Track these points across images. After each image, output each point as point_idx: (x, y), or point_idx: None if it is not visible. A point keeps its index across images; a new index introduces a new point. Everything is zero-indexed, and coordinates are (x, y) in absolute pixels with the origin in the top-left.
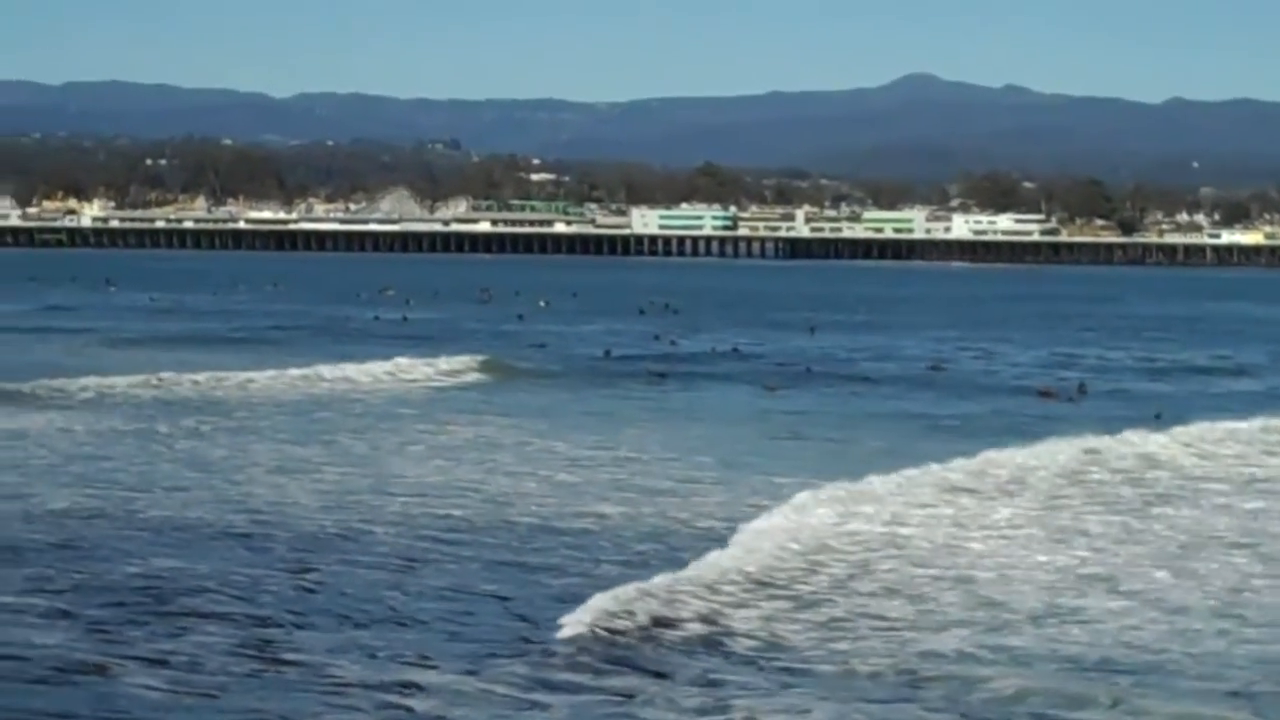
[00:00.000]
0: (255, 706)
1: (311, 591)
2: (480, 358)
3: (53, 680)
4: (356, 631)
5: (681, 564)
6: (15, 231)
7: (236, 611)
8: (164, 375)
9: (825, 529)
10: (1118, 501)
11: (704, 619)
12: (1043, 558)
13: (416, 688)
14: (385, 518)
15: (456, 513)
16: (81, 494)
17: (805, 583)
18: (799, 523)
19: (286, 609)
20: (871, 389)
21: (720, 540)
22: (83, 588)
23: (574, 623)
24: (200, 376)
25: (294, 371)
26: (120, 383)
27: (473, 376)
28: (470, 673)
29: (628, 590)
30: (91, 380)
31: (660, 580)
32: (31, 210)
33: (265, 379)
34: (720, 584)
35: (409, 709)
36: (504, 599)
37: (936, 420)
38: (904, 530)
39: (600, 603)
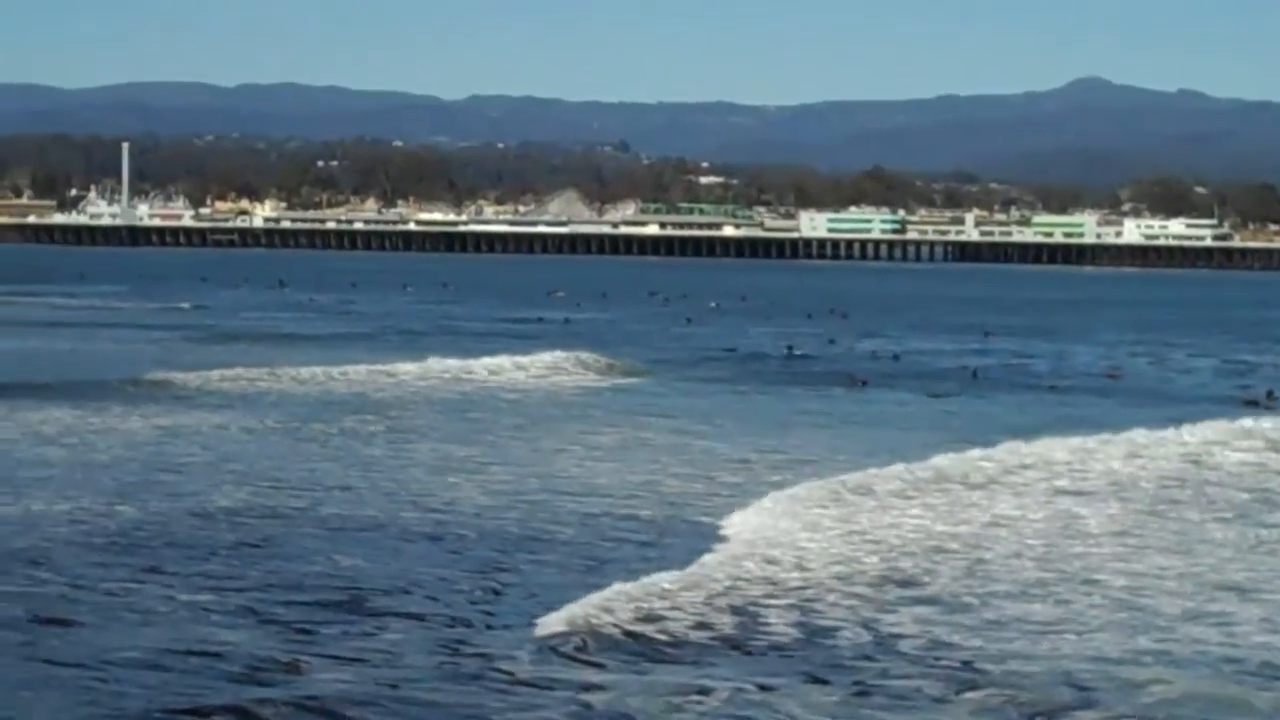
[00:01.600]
0: (446, 703)
1: (499, 592)
2: (641, 358)
3: (244, 677)
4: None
5: None
6: (188, 232)
7: (427, 611)
8: (317, 371)
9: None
10: None
11: (864, 623)
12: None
13: (599, 689)
14: (565, 518)
15: (643, 513)
16: (249, 492)
17: (948, 583)
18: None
19: (478, 608)
20: (1044, 396)
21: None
22: (268, 585)
23: None
24: (356, 374)
25: (448, 369)
26: (275, 380)
27: (635, 378)
28: None
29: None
30: (245, 377)
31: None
32: (204, 211)
33: (419, 377)
34: (877, 582)
35: (589, 705)
36: None
37: (1118, 428)
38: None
39: None
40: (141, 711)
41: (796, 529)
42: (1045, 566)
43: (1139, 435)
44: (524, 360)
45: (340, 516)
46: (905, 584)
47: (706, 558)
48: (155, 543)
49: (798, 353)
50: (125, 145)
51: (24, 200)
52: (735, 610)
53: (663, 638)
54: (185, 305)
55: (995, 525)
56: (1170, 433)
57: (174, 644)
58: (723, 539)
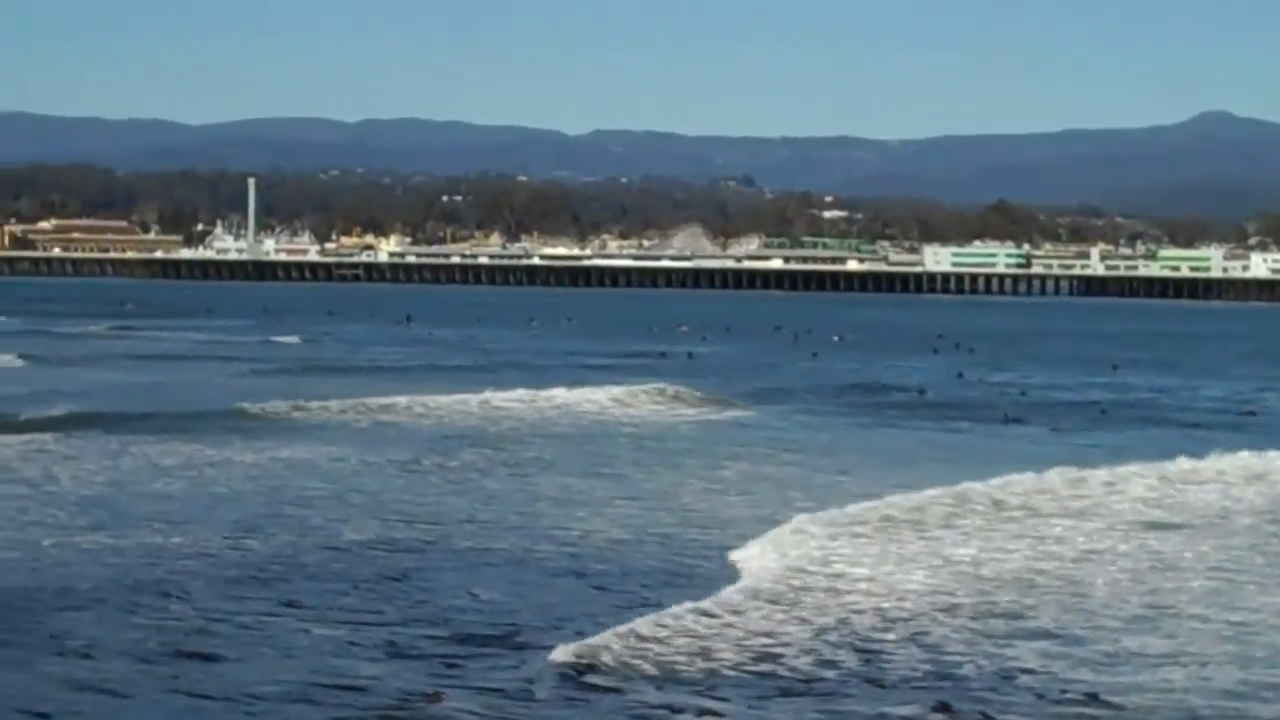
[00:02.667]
0: None
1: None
2: (768, 393)
3: (389, 709)
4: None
5: None
6: (314, 266)
7: (565, 644)
8: (435, 403)
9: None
10: None
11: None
12: None
13: (714, 714)
14: (702, 552)
15: None
16: (379, 525)
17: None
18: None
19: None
20: (1175, 432)
21: None
22: (409, 620)
23: None
24: (474, 407)
25: (568, 401)
26: (393, 413)
27: (759, 411)
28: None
29: None
30: (365, 407)
31: None
32: (329, 246)
33: (538, 409)
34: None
35: None
36: None
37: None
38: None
39: None
40: None
41: (896, 560)
42: (1155, 598)
43: None
44: (645, 393)
45: (475, 550)
46: (1015, 616)
47: (818, 594)
48: (290, 576)
49: (927, 389)
50: (251, 181)
51: (151, 236)
52: (852, 645)
53: (786, 672)
54: (301, 339)
55: (1087, 557)
56: None
57: (317, 677)
58: (838, 575)
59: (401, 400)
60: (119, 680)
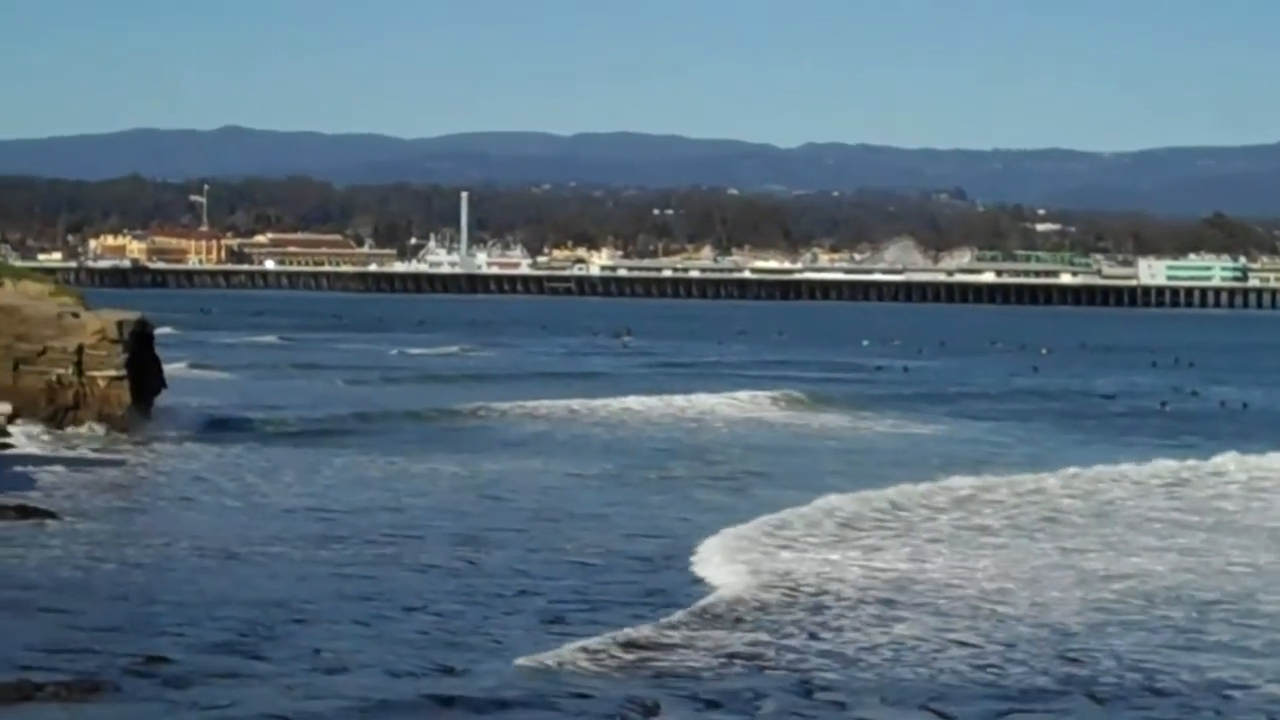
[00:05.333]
0: None
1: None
2: (996, 408)
3: (609, 716)
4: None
5: None
6: (526, 280)
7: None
8: (647, 409)
9: None
10: None
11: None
12: None
13: None
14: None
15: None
16: (610, 538)
17: None
18: None
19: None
20: None
21: None
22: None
23: None
24: (692, 420)
25: (782, 416)
26: (602, 427)
27: (990, 424)
28: None
29: None
30: (564, 410)
31: None
32: (541, 259)
33: (738, 419)
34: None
35: None
36: None
37: None
38: None
39: None
40: None
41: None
42: None
43: None
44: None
45: None
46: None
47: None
48: (539, 589)
49: (1167, 404)
50: (464, 194)
51: (365, 249)
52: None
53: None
54: (499, 353)
55: None
56: None
57: (552, 686)
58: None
59: (603, 410)
60: (375, 688)
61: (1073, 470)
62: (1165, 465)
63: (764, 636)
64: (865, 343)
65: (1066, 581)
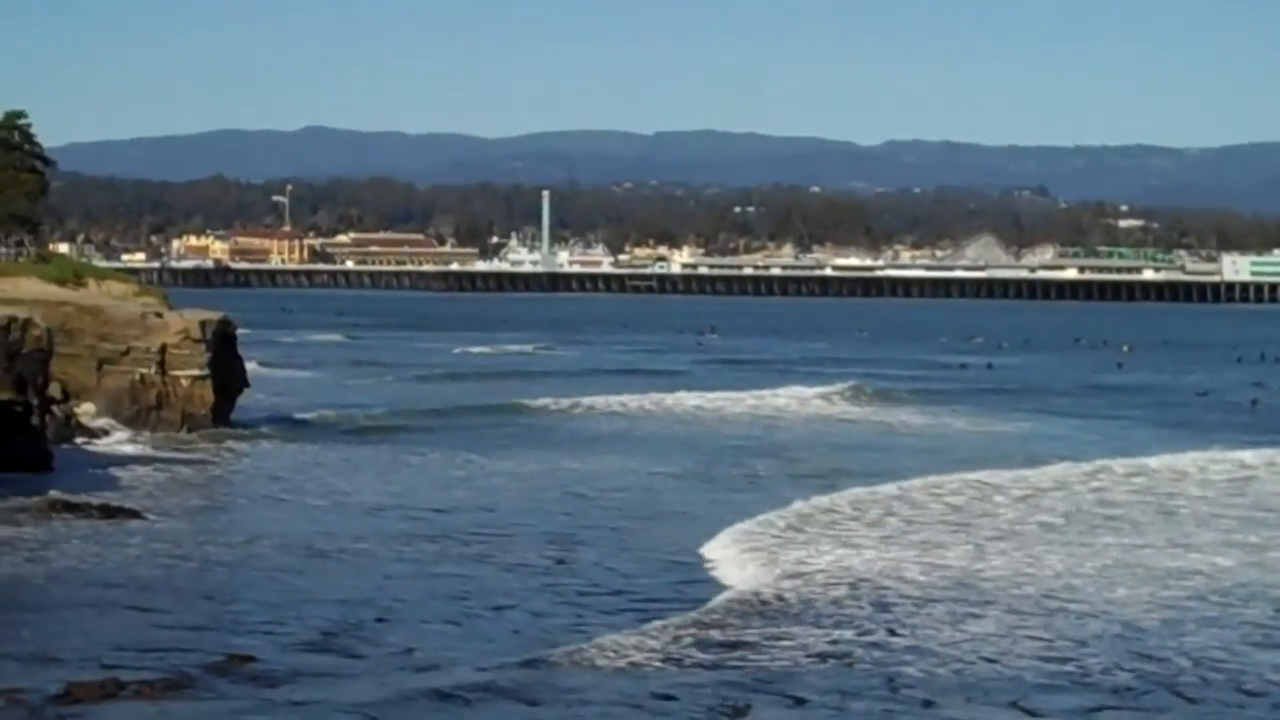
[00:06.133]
0: None
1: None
2: (1088, 408)
3: (697, 716)
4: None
5: None
6: (607, 278)
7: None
8: (718, 400)
9: None
10: None
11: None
12: None
13: None
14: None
15: None
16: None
17: None
18: None
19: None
20: None
21: None
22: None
23: None
24: (767, 417)
25: (839, 409)
26: (679, 422)
27: (1078, 422)
28: None
29: None
30: (640, 406)
31: None
32: (623, 258)
33: (812, 416)
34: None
35: None
36: None
37: None
38: None
39: None
40: None
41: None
42: None
43: None
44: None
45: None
46: None
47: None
48: (626, 589)
49: (1257, 402)
50: (545, 193)
51: (447, 248)
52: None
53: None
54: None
55: None
56: None
57: (645, 686)
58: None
59: (684, 408)
60: (467, 686)
61: (1160, 462)
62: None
63: (848, 634)
64: (943, 340)
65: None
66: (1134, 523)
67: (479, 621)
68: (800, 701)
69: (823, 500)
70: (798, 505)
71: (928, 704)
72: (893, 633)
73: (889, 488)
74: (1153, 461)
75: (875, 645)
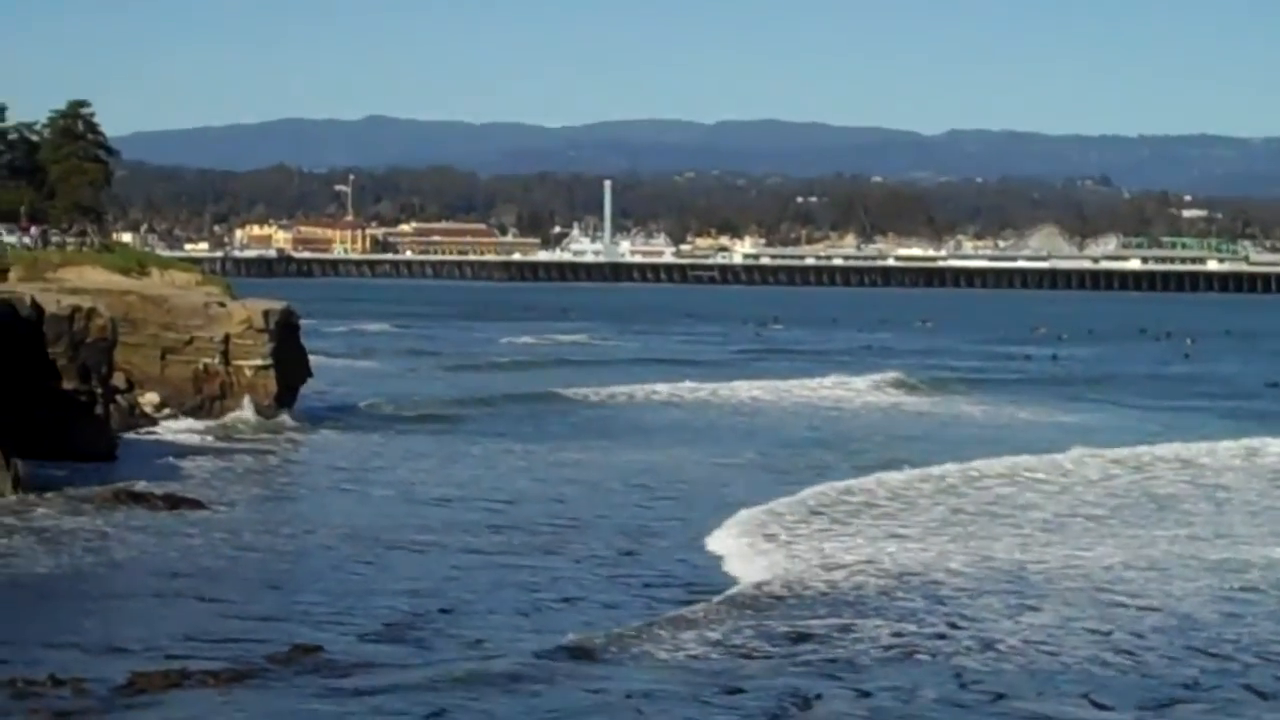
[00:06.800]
0: None
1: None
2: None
3: (768, 710)
4: None
5: None
6: (669, 268)
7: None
8: (783, 387)
9: None
10: None
11: None
12: None
13: None
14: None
15: None
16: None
17: None
18: None
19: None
20: None
21: None
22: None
23: None
24: (830, 407)
25: (901, 399)
26: (739, 415)
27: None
28: None
29: None
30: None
31: None
32: (684, 247)
33: (872, 405)
34: None
35: None
36: None
37: None
38: None
39: None
40: None
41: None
42: None
43: None
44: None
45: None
46: None
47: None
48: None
49: None
50: (607, 183)
51: (509, 238)
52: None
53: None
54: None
55: None
56: None
57: (708, 680)
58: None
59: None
60: (535, 677)
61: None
62: None
63: (910, 627)
64: (1007, 331)
65: None
66: (1191, 513)
67: (549, 613)
68: (866, 694)
69: (878, 488)
70: (857, 492)
71: (998, 697)
72: (954, 625)
73: (952, 477)
74: (1228, 448)
75: (938, 637)
